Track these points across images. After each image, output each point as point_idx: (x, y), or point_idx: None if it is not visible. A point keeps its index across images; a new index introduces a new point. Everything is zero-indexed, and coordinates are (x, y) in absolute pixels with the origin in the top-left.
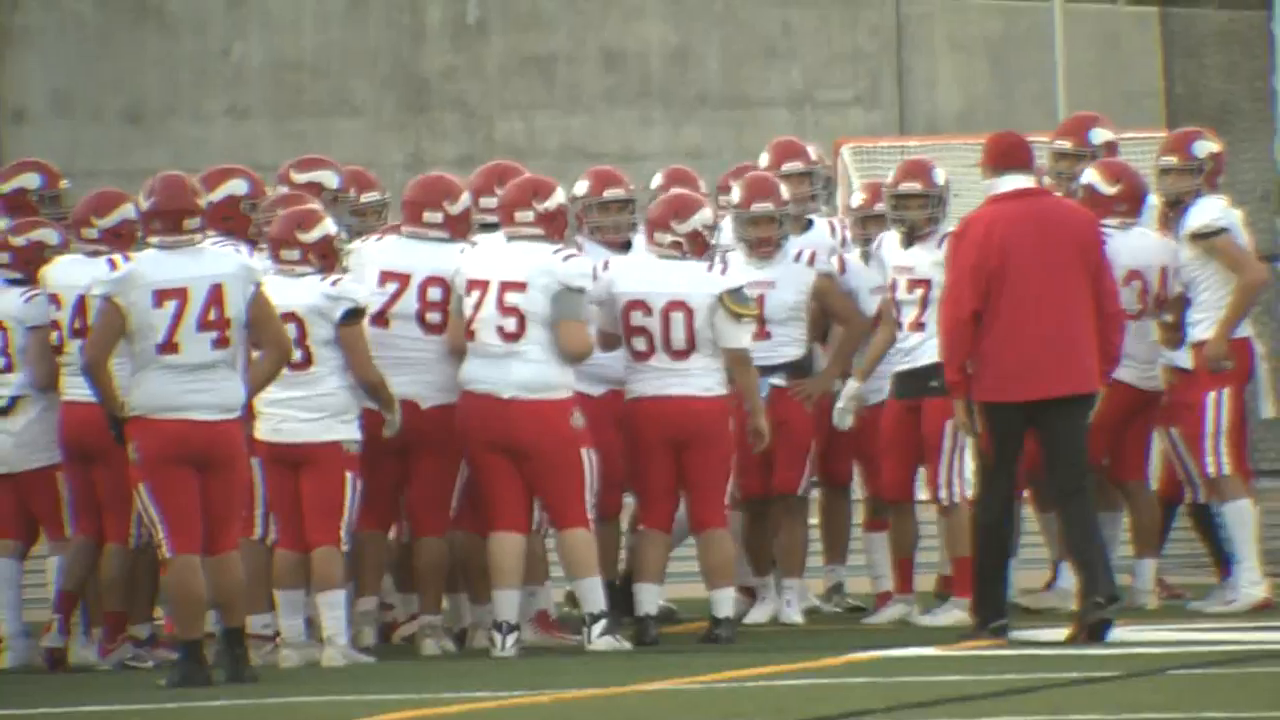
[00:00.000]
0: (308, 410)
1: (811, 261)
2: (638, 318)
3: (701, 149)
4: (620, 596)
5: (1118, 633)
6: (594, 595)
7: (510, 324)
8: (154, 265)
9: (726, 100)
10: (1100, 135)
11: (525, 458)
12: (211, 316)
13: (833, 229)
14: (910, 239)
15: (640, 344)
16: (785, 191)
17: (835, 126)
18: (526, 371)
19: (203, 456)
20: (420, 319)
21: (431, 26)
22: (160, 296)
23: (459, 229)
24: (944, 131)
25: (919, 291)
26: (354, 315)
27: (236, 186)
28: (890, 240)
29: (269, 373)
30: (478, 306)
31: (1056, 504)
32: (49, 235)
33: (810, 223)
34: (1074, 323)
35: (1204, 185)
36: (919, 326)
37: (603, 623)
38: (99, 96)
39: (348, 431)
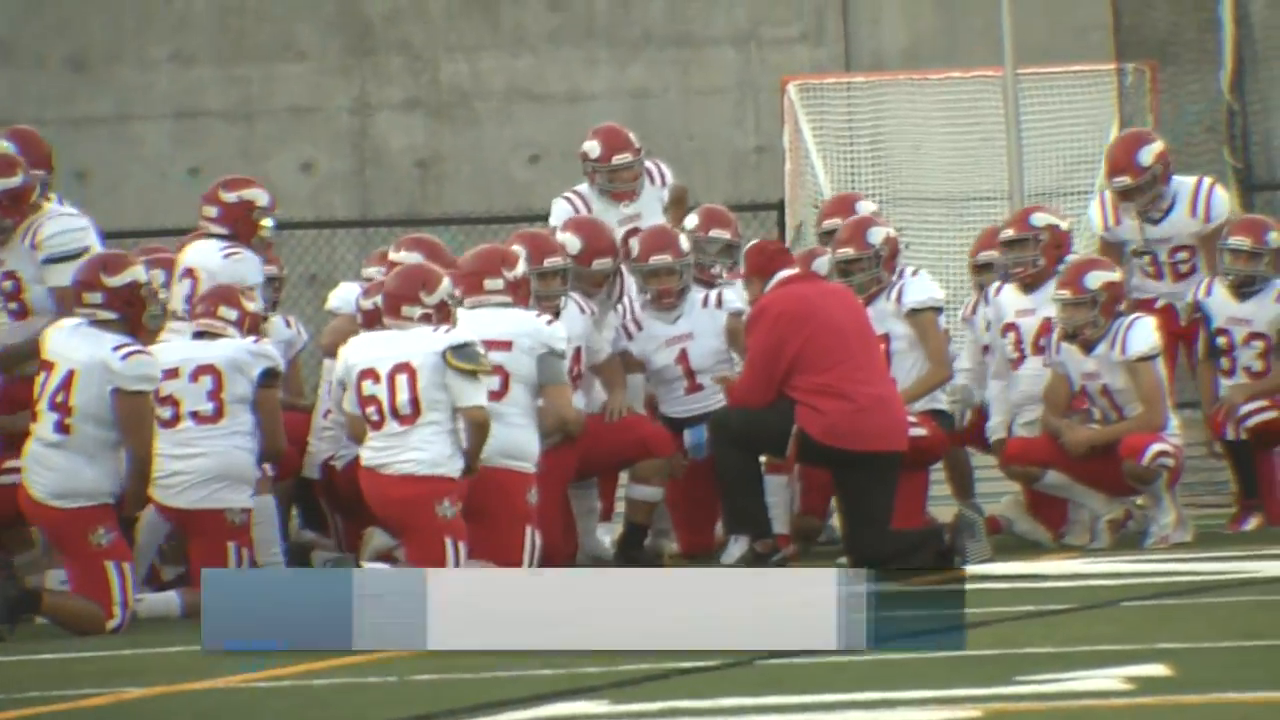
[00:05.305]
0: (197, 473)
1: (719, 304)
2: (368, 386)
3: (647, 89)
4: None
5: (1072, 565)
6: None
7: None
8: (56, 333)
9: (672, 39)
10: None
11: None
12: (60, 399)
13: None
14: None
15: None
16: (685, 243)
17: (781, 64)
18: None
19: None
20: None
21: None
22: (41, 365)
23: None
24: (890, 68)
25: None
26: (271, 376)
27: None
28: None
29: (132, 483)
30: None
31: None
32: None
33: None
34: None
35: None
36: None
37: None
38: (41, 43)
39: (235, 499)
